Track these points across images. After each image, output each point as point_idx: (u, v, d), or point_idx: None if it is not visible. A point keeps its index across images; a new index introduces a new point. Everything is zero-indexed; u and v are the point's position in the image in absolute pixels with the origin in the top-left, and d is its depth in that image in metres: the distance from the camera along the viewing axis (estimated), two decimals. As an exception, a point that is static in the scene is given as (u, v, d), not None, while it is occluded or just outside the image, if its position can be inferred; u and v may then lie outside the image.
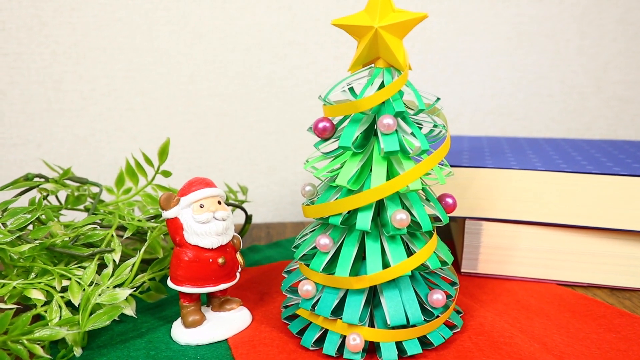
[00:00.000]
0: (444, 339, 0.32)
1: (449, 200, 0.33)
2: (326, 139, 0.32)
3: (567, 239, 0.41)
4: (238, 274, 0.35)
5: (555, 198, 0.40)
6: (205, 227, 0.32)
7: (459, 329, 0.34)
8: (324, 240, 0.31)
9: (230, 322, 0.34)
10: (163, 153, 0.38)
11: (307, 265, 0.33)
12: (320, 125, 0.32)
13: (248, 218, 0.46)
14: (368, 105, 0.29)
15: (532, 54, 0.68)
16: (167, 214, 0.32)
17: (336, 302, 0.31)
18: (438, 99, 0.33)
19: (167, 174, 0.39)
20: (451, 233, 0.52)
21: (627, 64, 0.70)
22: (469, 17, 0.66)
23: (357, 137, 0.31)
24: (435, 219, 0.33)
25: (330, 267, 0.32)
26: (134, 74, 0.62)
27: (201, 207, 0.32)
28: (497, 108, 0.69)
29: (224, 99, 0.64)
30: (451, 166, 0.42)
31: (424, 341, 0.32)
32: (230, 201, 0.46)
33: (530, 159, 0.44)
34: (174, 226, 0.32)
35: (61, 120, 0.62)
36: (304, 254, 0.33)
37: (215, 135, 0.65)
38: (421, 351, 0.31)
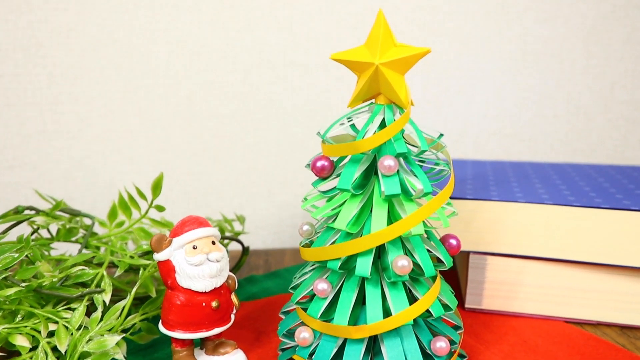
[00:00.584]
0: None
1: (453, 242, 0.32)
2: (325, 178, 0.31)
3: (575, 275, 0.40)
4: (232, 316, 0.33)
5: (563, 233, 0.39)
6: (198, 269, 0.31)
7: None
8: (322, 285, 0.30)
9: (224, 367, 0.33)
10: (157, 187, 0.37)
11: (305, 309, 0.31)
12: (319, 164, 0.30)
13: (245, 250, 0.45)
14: (368, 147, 0.28)
15: (537, 74, 0.67)
16: (159, 257, 0.31)
17: (334, 350, 0.30)
18: (441, 135, 0.31)
19: (160, 208, 0.38)
20: (454, 266, 0.51)
21: (633, 84, 0.68)
22: (472, 36, 0.65)
23: (357, 177, 0.29)
24: (438, 260, 0.31)
25: (328, 312, 0.31)
26: (132, 95, 0.61)
27: (194, 248, 0.31)
28: (502, 129, 0.68)
29: (222, 120, 0.62)
30: (455, 198, 0.41)
31: None
32: (227, 233, 0.45)
33: (537, 189, 0.43)
34: (166, 269, 0.31)
35: (57, 142, 0.61)
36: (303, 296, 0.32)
37: (213, 157, 0.63)
38: None
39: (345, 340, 0.30)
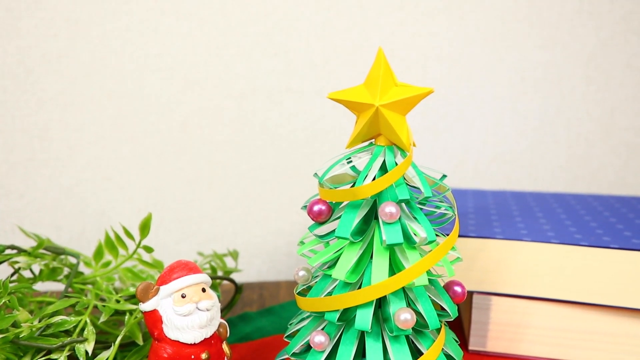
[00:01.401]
0: None
1: (458, 289, 0.30)
2: (322, 223, 0.29)
3: (584, 317, 0.38)
4: (224, 367, 0.31)
5: (570, 273, 0.37)
6: (187, 320, 0.29)
7: None
8: (319, 338, 0.28)
9: None
10: (144, 228, 0.35)
11: None
12: (315, 208, 0.29)
13: (238, 289, 0.43)
14: (368, 193, 0.27)
15: (536, 100, 0.66)
16: (145, 307, 0.29)
17: None
18: (444, 176, 0.30)
19: (148, 249, 0.36)
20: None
21: (634, 110, 0.67)
22: (471, 62, 0.64)
23: (356, 224, 0.28)
24: (441, 308, 0.30)
25: None
26: (123, 121, 0.59)
27: (183, 297, 0.29)
28: (501, 155, 0.66)
29: (217, 146, 0.61)
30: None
31: None
32: (218, 272, 0.43)
33: (542, 225, 0.41)
34: (152, 319, 0.29)
35: (46, 170, 0.59)
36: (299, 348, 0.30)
37: (207, 184, 0.62)
38: None
39: None
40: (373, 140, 0.29)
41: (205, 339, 0.30)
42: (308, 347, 0.30)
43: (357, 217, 0.27)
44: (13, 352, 0.31)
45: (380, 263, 0.27)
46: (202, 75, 0.59)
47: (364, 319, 0.27)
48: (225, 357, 0.32)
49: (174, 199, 0.61)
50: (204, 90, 0.60)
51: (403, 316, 0.26)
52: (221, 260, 0.44)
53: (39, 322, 0.31)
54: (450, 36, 0.63)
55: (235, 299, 0.43)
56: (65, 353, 0.30)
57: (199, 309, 0.29)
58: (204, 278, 0.30)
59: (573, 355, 0.38)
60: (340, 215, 0.28)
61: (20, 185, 0.59)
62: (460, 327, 0.44)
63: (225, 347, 0.32)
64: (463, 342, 0.41)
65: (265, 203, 0.63)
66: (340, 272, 0.27)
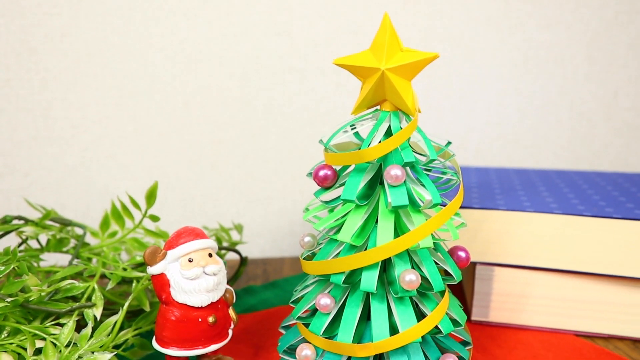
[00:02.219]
0: None
1: (462, 254, 0.30)
2: (327, 188, 0.30)
3: (585, 286, 0.38)
4: (230, 332, 0.32)
5: (573, 243, 0.38)
6: (194, 283, 0.29)
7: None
8: (325, 301, 0.28)
9: (221, 386, 0.31)
10: (151, 197, 0.36)
11: (307, 325, 0.30)
12: (321, 173, 0.29)
13: (243, 260, 0.43)
14: (374, 156, 0.27)
15: (539, 80, 0.66)
16: (153, 270, 0.29)
17: None
18: (449, 143, 0.30)
19: (155, 218, 0.37)
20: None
21: (637, 91, 0.67)
22: (474, 43, 0.64)
23: (362, 187, 0.28)
24: (446, 272, 0.30)
25: (332, 327, 0.29)
26: (127, 100, 0.59)
27: (190, 261, 0.30)
28: (504, 135, 0.66)
29: (219, 126, 0.61)
30: (460, 208, 0.39)
31: None
32: (224, 243, 0.43)
33: (545, 198, 0.42)
34: (160, 283, 0.30)
35: (50, 149, 0.59)
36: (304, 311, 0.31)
37: (210, 164, 0.62)
38: None
39: (349, 358, 0.28)
40: (378, 107, 0.29)
41: (212, 302, 0.30)
42: (313, 312, 0.31)
43: (362, 181, 0.27)
44: (23, 316, 0.31)
45: (385, 226, 0.27)
46: (205, 55, 0.59)
47: (370, 280, 0.27)
48: (232, 322, 0.32)
49: (178, 179, 0.61)
50: (207, 70, 0.60)
51: (408, 277, 0.26)
52: (226, 233, 0.44)
53: (48, 287, 0.32)
54: (453, 16, 0.62)
55: (240, 270, 0.44)
56: (74, 318, 0.31)
57: (205, 273, 0.30)
58: (210, 243, 0.31)
59: (574, 325, 0.39)
60: (346, 180, 0.28)
61: (25, 164, 0.59)
62: (462, 299, 0.44)
63: (231, 312, 0.32)
64: (466, 314, 0.42)
65: (268, 182, 0.63)
66: (346, 235, 0.27)
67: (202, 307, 0.30)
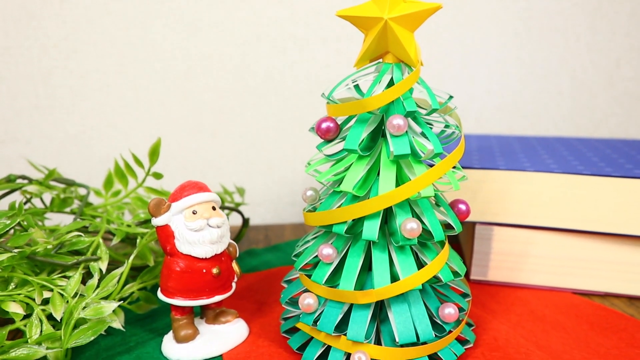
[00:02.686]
0: (456, 356, 0.30)
1: (462, 207, 0.30)
2: (330, 141, 0.30)
3: (583, 245, 0.39)
4: (234, 284, 0.32)
5: (571, 202, 0.38)
6: (199, 235, 0.30)
7: (471, 345, 0.31)
8: (327, 250, 0.29)
9: (225, 336, 0.32)
10: (154, 154, 0.36)
11: (309, 276, 0.30)
12: (324, 125, 0.29)
13: (245, 221, 0.44)
14: (376, 105, 0.27)
15: (541, 50, 0.65)
16: (157, 221, 0.30)
17: (340, 316, 0.29)
18: (451, 97, 0.30)
19: (158, 176, 0.37)
20: (457, 237, 0.50)
21: (638, 60, 0.67)
22: (476, 11, 0.63)
23: (364, 138, 0.28)
24: (446, 226, 0.30)
25: (333, 278, 0.30)
26: (127, 68, 0.59)
27: (194, 213, 0.30)
28: (505, 105, 0.66)
29: (220, 94, 0.61)
30: (461, 167, 0.40)
31: (434, 358, 0.30)
32: (226, 204, 0.44)
33: (544, 160, 0.42)
34: (165, 234, 0.30)
35: (50, 117, 0.59)
36: (306, 264, 0.31)
37: (211, 133, 0.62)
38: None
39: (351, 306, 0.29)
40: (381, 60, 0.29)
41: (216, 254, 0.30)
42: (315, 265, 0.31)
43: (365, 131, 0.28)
44: (30, 269, 0.32)
45: (387, 175, 0.28)
46: (205, 23, 0.59)
47: (372, 229, 0.27)
48: (235, 275, 0.32)
49: (179, 147, 0.62)
50: (208, 38, 0.59)
51: (409, 225, 0.27)
52: (229, 195, 0.44)
53: (54, 240, 0.32)
54: (455, -18, 0.62)
55: (242, 232, 0.44)
56: (80, 270, 0.31)
57: (209, 226, 0.30)
58: (213, 197, 0.31)
59: (572, 283, 0.40)
60: (348, 132, 0.29)
61: (26, 132, 0.59)
62: (462, 258, 0.45)
63: (235, 265, 0.33)
64: (465, 273, 0.42)
65: (269, 152, 0.63)
66: (349, 185, 0.27)
67: (206, 258, 0.30)
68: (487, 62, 0.65)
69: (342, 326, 0.29)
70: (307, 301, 0.29)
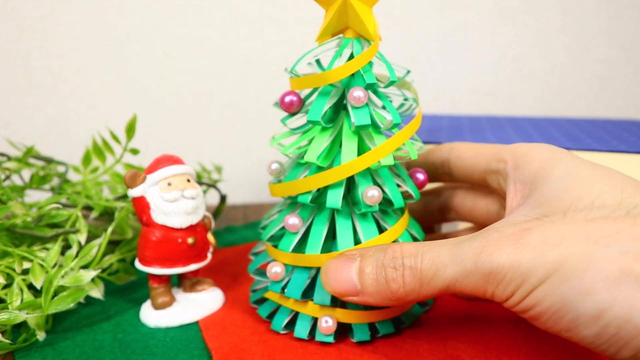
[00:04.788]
0: (416, 316, 0.31)
1: (420, 176, 0.32)
2: (293, 114, 0.31)
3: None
4: (209, 255, 0.34)
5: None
6: (174, 205, 0.31)
7: (429, 307, 0.33)
8: (293, 220, 0.30)
9: (201, 304, 0.33)
10: (130, 130, 0.37)
11: (275, 246, 0.31)
12: (287, 99, 0.30)
13: (222, 198, 0.45)
14: (338, 77, 0.28)
15: (513, 32, 0.67)
16: (133, 193, 0.31)
17: (307, 282, 0.30)
18: (408, 71, 0.31)
19: (135, 151, 0.38)
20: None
21: (608, 43, 0.69)
22: (450, -7, 0.64)
23: (327, 111, 0.29)
24: (406, 195, 0.32)
25: (299, 248, 0.31)
26: (105, 49, 0.59)
27: (169, 185, 0.31)
28: (479, 86, 0.68)
29: (199, 76, 0.62)
30: (428, 142, 0.41)
31: (397, 319, 0.31)
32: (204, 181, 0.45)
33: (510, 136, 0.44)
34: (141, 205, 0.31)
35: (29, 98, 0.59)
36: (272, 236, 0.32)
37: (191, 114, 0.63)
38: (394, 330, 0.30)
39: (317, 272, 0.30)
40: (341, 35, 0.30)
41: (191, 225, 0.32)
42: (281, 237, 0.32)
43: (327, 103, 0.29)
44: (10, 241, 0.33)
45: (349, 145, 0.29)
46: (183, 3, 0.59)
47: (335, 197, 0.29)
48: (211, 246, 0.34)
49: (159, 129, 0.62)
50: (186, 19, 0.60)
51: (370, 192, 0.28)
52: (207, 173, 0.46)
53: (33, 212, 0.33)
54: (430, -35, 0.63)
55: (220, 208, 0.45)
56: (59, 243, 0.32)
57: (184, 197, 0.31)
58: (188, 169, 0.32)
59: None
60: (310, 105, 0.30)
61: (5, 113, 0.59)
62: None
63: (210, 236, 0.34)
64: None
65: (249, 133, 0.64)
66: (312, 155, 0.28)
67: (181, 228, 0.31)
68: (461, 45, 0.66)
69: (309, 292, 0.30)
70: (275, 269, 0.30)
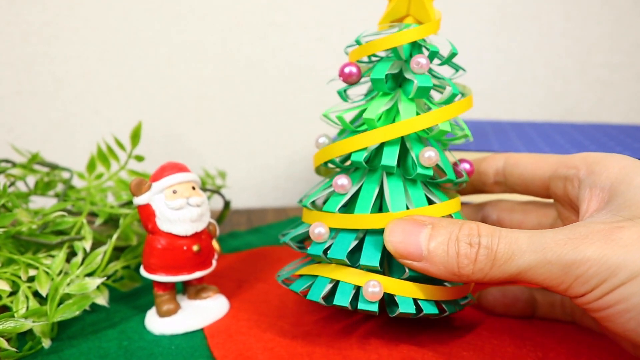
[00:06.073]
0: (461, 307, 0.30)
1: (467, 166, 0.31)
2: (351, 85, 0.31)
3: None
4: (214, 262, 0.34)
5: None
6: (179, 213, 0.31)
7: (472, 301, 0.31)
8: (342, 180, 0.29)
9: (206, 311, 0.33)
10: (135, 137, 0.37)
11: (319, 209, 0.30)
12: (347, 69, 0.30)
13: (226, 204, 0.45)
14: (402, 40, 0.28)
15: (516, 36, 0.67)
16: (139, 200, 0.31)
17: (354, 244, 0.28)
18: (462, 70, 0.32)
19: (140, 158, 0.38)
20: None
21: (610, 47, 0.69)
22: (453, -2, 0.65)
23: (387, 77, 0.29)
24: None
25: (347, 211, 0.29)
26: (109, 55, 0.60)
27: (174, 192, 0.31)
28: (481, 91, 0.68)
29: (202, 81, 0.62)
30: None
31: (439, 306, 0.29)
32: (208, 187, 0.45)
33: (514, 143, 0.44)
34: (146, 213, 0.31)
35: (33, 104, 0.60)
36: (313, 202, 0.31)
37: (194, 119, 0.63)
38: (437, 312, 0.28)
39: (364, 235, 0.28)
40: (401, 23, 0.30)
41: (196, 232, 0.32)
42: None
43: (389, 68, 0.29)
44: (15, 248, 0.33)
45: (407, 108, 0.28)
46: (186, 9, 0.59)
47: (391, 155, 0.28)
48: (215, 253, 0.34)
49: (162, 134, 0.63)
50: (189, 24, 0.60)
51: (427, 153, 0.27)
52: (211, 179, 0.46)
53: (39, 220, 0.33)
54: (433, -30, 0.63)
55: (224, 214, 0.45)
56: (65, 250, 0.32)
57: (189, 204, 0.31)
58: (193, 177, 0.32)
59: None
60: (373, 68, 0.29)
61: (9, 119, 0.60)
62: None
63: (215, 243, 0.34)
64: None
65: (251, 138, 0.65)
66: (372, 113, 0.28)
67: (186, 236, 0.31)
68: (463, 50, 0.66)
69: (352, 258, 0.28)
70: (318, 230, 0.28)
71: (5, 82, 0.58)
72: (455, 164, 0.31)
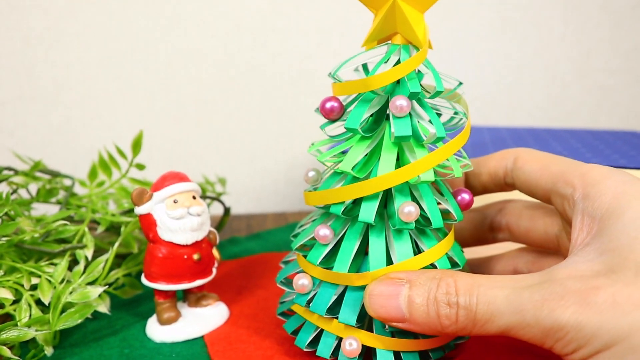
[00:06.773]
0: (444, 353, 0.29)
1: (466, 196, 0.30)
2: (333, 121, 0.29)
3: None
4: (214, 270, 0.34)
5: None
6: (180, 223, 0.31)
7: (463, 341, 0.31)
8: (324, 231, 0.28)
9: (206, 319, 0.33)
10: (136, 145, 0.37)
11: (305, 257, 0.30)
12: (328, 105, 0.29)
13: (226, 210, 0.45)
14: (380, 83, 0.26)
15: (515, 41, 0.68)
16: (140, 210, 0.31)
17: (333, 298, 0.28)
18: (460, 83, 0.30)
19: (141, 167, 0.38)
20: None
21: (609, 52, 0.70)
22: (452, 3, 0.65)
23: (367, 119, 0.28)
24: (450, 216, 0.29)
25: (329, 260, 0.29)
26: (110, 60, 0.60)
27: (175, 202, 0.32)
28: (480, 96, 0.69)
29: (203, 86, 0.62)
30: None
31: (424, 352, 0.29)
32: (208, 194, 0.45)
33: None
34: (147, 222, 0.32)
35: (35, 108, 0.60)
36: (302, 245, 0.31)
37: (194, 124, 0.63)
38: None
39: (345, 289, 0.28)
40: (389, 42, 0.28)
41: (196, 241, 0.32)
42: (312, 246, 0.30)
43: (367, 111, 0.27)
44: (18, 257, 0.33)
45: (387, 157, 0.27)
46: (186, 14, 0.60)
47: (369, 210, 0.27)
48: (216, 261, 0.34)
49: (162, 138, 0.63)
50: (189, 30, 0.60)
51: (407, 209, 0.26)
52: (211, 185, 0.46)
53: (41, 229, 0.34)
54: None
55: (224, 221, 0.46)
56: (67, 258, 0.33)
57: (190, 214, 0.32)
58: (194, 186, 0.33)
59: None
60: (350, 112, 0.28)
61: (10, 123, 0.60)
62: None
63: (215, 252, 0.34)
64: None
65: (251, 143, 0.65)
66: (348, 165, 0.27)
67: (187, 245, 0.32)
68: (463, 55, 0.67)
69: (335, 308, 0.28)
70: (302, 281, 0.29)
71: (6, 87, 0.59)
72: (455, 194, 0.30)
